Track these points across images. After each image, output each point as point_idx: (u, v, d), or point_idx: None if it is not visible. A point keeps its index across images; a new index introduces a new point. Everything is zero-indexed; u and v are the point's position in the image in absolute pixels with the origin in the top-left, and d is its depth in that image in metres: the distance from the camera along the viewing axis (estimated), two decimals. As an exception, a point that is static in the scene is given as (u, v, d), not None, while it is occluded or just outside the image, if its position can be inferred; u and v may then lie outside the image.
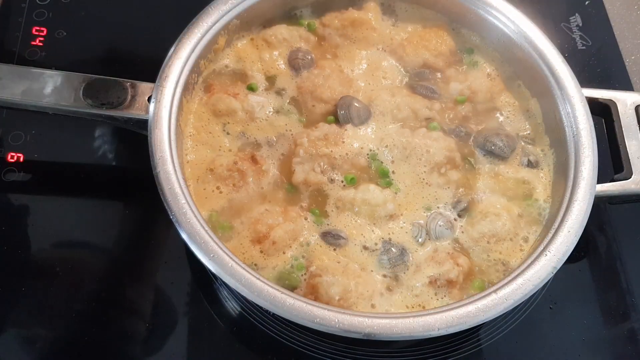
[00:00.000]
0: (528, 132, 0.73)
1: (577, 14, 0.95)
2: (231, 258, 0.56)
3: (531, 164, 0.70)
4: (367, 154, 0.69)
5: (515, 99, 0.75)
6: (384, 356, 0.67)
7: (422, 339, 0.66)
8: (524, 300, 0.58)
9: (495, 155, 0.71)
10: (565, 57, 0.72)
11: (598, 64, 0.90)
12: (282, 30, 0.76)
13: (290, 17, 0.78)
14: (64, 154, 0.77)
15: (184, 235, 0.57)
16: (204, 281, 0.69)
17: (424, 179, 0.68)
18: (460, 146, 0.71)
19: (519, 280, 0.58)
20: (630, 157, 0.68)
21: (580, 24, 0.94)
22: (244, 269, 0.56)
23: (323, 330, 0.54)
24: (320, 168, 0.67)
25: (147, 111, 0.65)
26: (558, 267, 0.59)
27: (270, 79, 0.74)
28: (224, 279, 0.56)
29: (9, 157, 0.75)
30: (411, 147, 0.69)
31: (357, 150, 0.69)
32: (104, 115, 0.66)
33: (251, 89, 0.73)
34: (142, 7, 0.90)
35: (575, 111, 0.68)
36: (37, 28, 0.85)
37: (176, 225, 0.58)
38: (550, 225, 0.63)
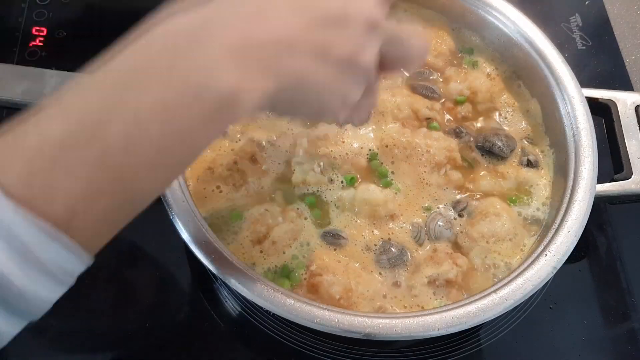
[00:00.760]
0: (528, 132, 0.73)
1: (577, 14, 0.95)
2: (231, 258, 0.57)
3: (531, 164, 0.70)
4: (367, 154, 0.69)
5: (515, 99, 0.75)
6: (384, 356, 0.67)
7: (422, 339, 0.66)
8: (524, 300, 0.58)
9: (495, 155, 0.71)
10: (565, 57, 0.72)
11: (598, 64, 0.90)
12: None
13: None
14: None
15: (184, 235, 0.57)
16: (204, 281, 0.69)
17: (424, 179, 0.68)
18: (460, 146, 0.71)
19: (519, 280, 0.58)
20: (630, 157, 0.68)
21: (580, 24, 0.94)
22: (243, 269, 0.56)
23: (323, 330, 0.54)
24: (320, 168, 0.67)
25: None
26: (558, 267, 0.59)
27: None
28: (224, 279, 0.56)
29: (9, 157, 0.75)
30: (411, 147, 0.69)
31: (357, 150, 0.69)
32: None
33: None
34: (143, 7, 0.90)
35: (575, 111, 0.68)
36: (37, 28, 0.85)
37: (176, 225, 0.58)
38: (550, 225, 0.63)
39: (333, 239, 0.64)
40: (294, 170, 0.67)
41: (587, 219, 0.62)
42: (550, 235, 0.61)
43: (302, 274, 0.62)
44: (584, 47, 0.92)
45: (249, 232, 0.63)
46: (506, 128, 0.73)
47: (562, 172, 0.67)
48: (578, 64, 0.83)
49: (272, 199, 0.66)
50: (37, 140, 0.36)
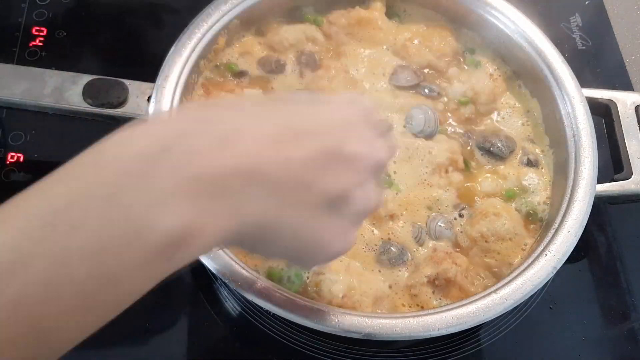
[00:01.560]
0: (528, 132, 0.73)
1: (577, 14, 0.95)
2: (231, 258, 0.57)
3: (531, 163, 0.70)
4: None
5: (515, 100, 0.75)
6: (384, 356, 0.67)
7: (422, 339, 0.66)
8: (523, 300, 0.58)
9: (494, 155, 0.71)
10: (565, 57, 0.72)
11: (598, 64, 0.90)
12: (287, 36, 0.75)
13: (293, 15, 0.78)
14: (64, 154, 0.76)
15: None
16: (204, 281, 0.69)
17: (425, 180, 0.68)
18: (462, 147, 0.71)
19: (519, 280, 0.58)
20: (630, 157, 0.68)
21: (580, 24, 0.94)
22: (244, 269, 0.56)
23: (323, 330, 0.54)
24: None
25: (147, 111, 0.65)
26: (558, 267, 0.59)
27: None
28: (224, 279, 0.56)
29: (9, 157, 0.75)
30: (414, 147, 0.69)
31: None
32: (104, 115, 0.66)
33: (230, 69, 0.73)
34: (143, 6, 0.90)
35: (575, 111, 0.68)
36: (37, 28, 0.85)
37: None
38: (550, 225, 0.63)
39: None
40: None
41: (587, 219, 0.62)
42: (550, 235, 0.61)
43: (305, 275, 0.62)
44: (584, 47, 0.92)
45: None
46: (506, 128, 0.73)
47: (562, 172, 0.67)
48: (578, 64, 0.83)
49: None
50: None
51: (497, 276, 0.63)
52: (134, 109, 0.66)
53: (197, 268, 0.69)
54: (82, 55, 0.85)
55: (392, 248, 0.63)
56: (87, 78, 0.67)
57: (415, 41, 0.77)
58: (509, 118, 0.74)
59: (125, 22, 0.89)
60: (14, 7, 0.86)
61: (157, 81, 0.65)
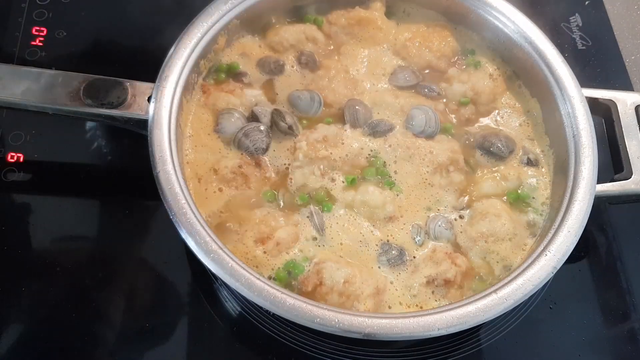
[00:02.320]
0: (528, 132, 0.73)
1: (577, 14, 0.95)
2: (231, 258, 0.56)
3: (531, 164, 0.70)
4: (368, 155, 0.69)
5: (515, 100, 0.75)
6: (384, 356, 0.67)
7: (422, 339, 0.66)
8: (524, 300, 0.58)
9: (494, 155, 0.71)
10: (565, 57, 0.72)
11: (598, 64, 0.90)
12: (287, 36, 0.75)
13: (294, 15, 0.78)
14: (64, 154, 0.77)
15: (184, 235, 0.57)
16: (204, 281, 0.69)
17: (426, 179, 0.68)
18: (462, 147, 0.71)
19: (519, 280, 0.58)
20: (630, 157, 0.68)
21: (580, 24, 0.94)
22: (244, 268, 0.56)
23: (323, 330, 0.54)
24: (320, 171, 0.67)
25: (147, 111, 0.64)
26: (558, 267, 0.59)
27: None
28: (224, 279, 0.56)
29: (9, 157, 0.75)
30: (414, 147, 0.68)
31: (356, 151, 0.69)
32: (104, 115, 0.66)
33: (233, 68, 0.73)
34: (143, 6, 0.90)
35: (575, 111, 0.68)
36: (37, 28, 0.85)
37: (176, 225, 0.58)
38: (550, 225, 0.63)
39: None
40: (291, 177, 0.67)
41: (587, 219, 0.62)
42: (550, 235, 0.61)
43: (306, 266, 0.62)
44: (584, 47, 0.92)
45: (253, 232, 0.63)
46: (506, 128, 0.73)
47: (562, 172, 0.67)
48: (578, 64, 0.84)
49: (275, 202, 0.66)
50: None
51: (497, 277, 0.63)
52: (134, 108, 0.66)
53: (197, 268, 0.69)
54: (82, 55, 0.84)
55: (392, 250, 0.64)
56: (87, 78, 0.67)
57: (416, 41, 0.77)
58: (509, 118, 0.74)
59: (126, 22, 0.89)
60: (14, 7, 0.86)
61: (157, 81, 0.65)
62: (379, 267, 0.63)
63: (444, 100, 0.74)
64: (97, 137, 0.77)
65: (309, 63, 0.75)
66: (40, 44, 0.84)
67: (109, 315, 0.67)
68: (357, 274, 0.61)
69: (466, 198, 0.68)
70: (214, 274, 0.57)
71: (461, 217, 0.67)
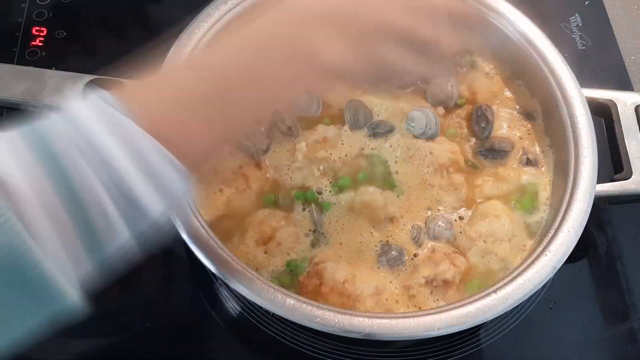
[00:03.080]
0: (528, 132, 0.73)
1: (577, 14, 0.95)
2: (231, 258, 0.57)
3: (531, 164, 0.70)
4: (368, 155, 0.69)
5: (515, 99, 0.75)
6: (384, 356, 0.67)
7: (422, 339, 0.66)
8: (523, 300, 0.58)
9: (494, 155, 0.71)
10: (565, 57, 0.72)
11: (598, 64, 0.90)
12: None
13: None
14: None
15: (184, 236, 0.57)
16: (204, 281, 0.69)
17: (426, 180, 0.68)
18: (462, 148, 0.71)
19: (519, 280, 0.58)
20: (630, 157, 0.68)
21: (580, 24, 0.94)
22: (244, 268, 0.56)
23: (323, 330, 0.54)
24: (320, 172, 0.67)
25: None
26: (558, 267, 0.59)
27: None
28: (223, 279, 0.56)
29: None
30: (415, 148, 0.68)
31: (357, 152, 0.69)
32: None
33: None
34: (143, 6, 0.90)
35: (575, 111, 0.68)
36: (37, 28, 0.85)
37: (177, 225, 0.58)
38: (550, 225, 0.63)
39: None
40: (291, 178, 0.67)
41: (587, 218, 0.62)
42: (550, 235, 0.61)
43: (306, 267, 0.62)
44: (584, 47, 0.92)
45: (254, 232, 0.63)
46: (505, 128, 0.73)
47: (562, 172, 0.67)
48: (578, 64, 0.83)
49: (275, 203, 0.66)
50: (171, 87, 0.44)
51: (496, 277, 0.63)
52: None
53: (197, 268, 0.69)
54: (82, 56, 0.85)
55: (391, 251, 0.64)
56: (87, 78, 0.67)
57: None
58: (509, 118, 0.74)
59: (126, 22, 0.89)
60: (14, 7, 0.86)
61: None
62: (379, 268, 0.63)
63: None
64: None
65: None
66: (40, 44, 0.84)
67: (108, 315, 0.67)
68: (357, 274, 0.61)
69: (466, 198, 0.68)
70: (214, 274, 0.57)
71: (461, 217, 0.67)
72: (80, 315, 0.40)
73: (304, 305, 0.55)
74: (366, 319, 0.55)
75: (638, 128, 0.70)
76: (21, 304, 0.38)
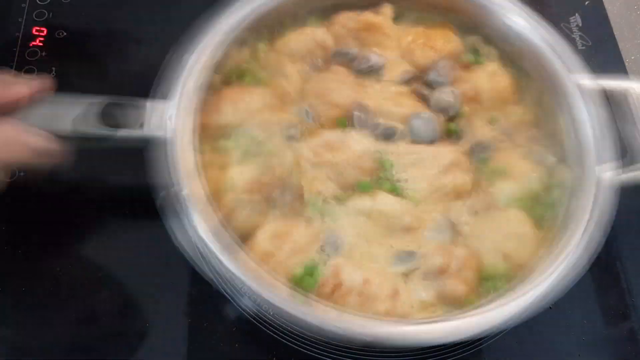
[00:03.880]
0: (533, 130, 0.73)
1: (577, 14, 0.95)
2: (231, 259, 0.56)
3: (538, 162, 0.70)
4: (375, 159, 0.68)
5: (521, 99, 0.75)
6: (384, 356, 0.67)
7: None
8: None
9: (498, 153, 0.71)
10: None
11: (598, 64, 0.90)
12: (297, 47, 0.74)
13: (296, 20, 0.77)
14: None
15: (185, 235, 0.57)
16: (204, 281, 0.69)
17: (433, 183, 0.67)
18: (464, 149, 0.71)
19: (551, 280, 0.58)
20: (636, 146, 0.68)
21: (580, 24, 0.94)
22: (244, 269, 0.56)
23: (327, 335, 0.54)
24: (327, 177, 0.66)
25: (168, 130, 0.62)
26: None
27: None
28: (224, 279, 0.56)
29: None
30: (417, 152, 0.68)
31: (363, 156, 0.68)
32: (125, 138, 0.63)
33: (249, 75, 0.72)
34: (143, 6, 0.90)
35: (578, 102, 0.68)
36: (37, 28, 0.85)
37: (183, 223, 0.57)
38: (564, 222, 0.63)
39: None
40: (302, 184, 0.66)
41: (611, 209, 0.62)
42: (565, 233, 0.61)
43: (323, 269, 0.61)
44: (583, 47, 0.92)
45: (268, 236, 0.63)
46: (509, 126, 0.73)
47: (569, 167, 0.67)
48: (578, 64, 0.83)
49: (288, 208, 0.65)
50: None
51: (509, 280, 0.63)
52: (155, 129, 0.63)
53: (197, 268, 0.69)
54: (82, 56, 0.85)
55: (405, 254, 0.63)
56: (102, 101, 0.64)
57: (419, 43, 0.76)
58: (513, 117, 0.74)
59: (126, 22, 0.89)
60: (14, 7, 0.86)
61: (173, 99, 0.63)
62: (393, 269, 0.63)
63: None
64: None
65: (315, 67, 0.74)
66: (40, 44, 0.84)
67: (109, 315, 0.67)
68: (374, 275, 0.60)
69: (475, 198, 0.68)
70: (214, 274, 0.57)
71: (471, 215, 0.66)
72: None
73: (307, 307, 0.55)
74: (373, 323, 0.55)
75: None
76: None
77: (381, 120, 0.71)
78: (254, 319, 0.67)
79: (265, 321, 0.67)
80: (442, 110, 0.73)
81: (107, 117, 0.64)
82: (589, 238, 0.60)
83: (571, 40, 0.92)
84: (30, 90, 0.61)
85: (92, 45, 0.86)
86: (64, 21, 0.86)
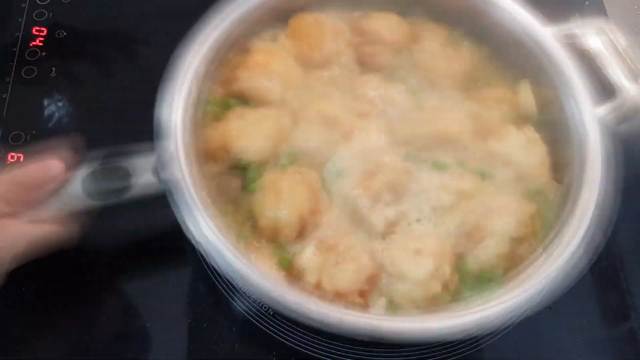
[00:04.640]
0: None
1: (577, 14, 0.95)
2: (230, 258, 0.56)
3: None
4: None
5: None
6: (384, 356, 0.67)
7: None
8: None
9: None
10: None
11: (598, 64, 0.90)
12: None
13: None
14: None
15: (189, 236, 0.57)
16: (204, 281, 0.69)
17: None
18: None
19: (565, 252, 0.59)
20: (612, 81, 0.69)
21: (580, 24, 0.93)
22: (244, 267, 0.56)
23: (327, 330, 0.54)
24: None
25: (160, 181, 0.60)
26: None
27: None
28: (224, 279, 0.56)
29: (10, 157, 0.75)
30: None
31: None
32: (115, 204, 0.61)
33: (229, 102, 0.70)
34: (144, 5, 0.90)
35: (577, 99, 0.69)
36: (37, 28, 0.85)
37: (182, 224, 0.57)
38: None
39: None
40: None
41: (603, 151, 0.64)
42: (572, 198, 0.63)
43: None
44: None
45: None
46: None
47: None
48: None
49: None
50: None
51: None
52: (145, 187, 0.60)
53: (197, 268, 0.69)
54: (82, 56, 0.85)
55: None
56: (81, 173, 0.60)
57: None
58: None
59: (126, 22, 0.89)
60: (14, 7, 0.86)
61: (159, 149, 0.60)
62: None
63: None
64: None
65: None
66: (40, 44, 0.84)
67: (109, 315, 0.67)
68: None
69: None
70: (214, 274, 0.57)
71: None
72: None
73: (306, 305, 0.55)
74: (373, 320, 0.55)
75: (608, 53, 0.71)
76: None
77: None
78: (254, 319, 0.67)
79: (265, 321, 0.67)
80: None
81: (91, 189, 0.60)
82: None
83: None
84: (64, 166, 0.58)
85: (92, 45, 0.86)
86: (64, 21, 0.86)
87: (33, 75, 0.82)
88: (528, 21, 0.73)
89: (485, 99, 0.73)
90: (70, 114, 0.79)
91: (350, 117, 0.68)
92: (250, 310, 0.67)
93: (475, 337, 0.68)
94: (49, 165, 0.58)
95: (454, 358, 0.67)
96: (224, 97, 0.70)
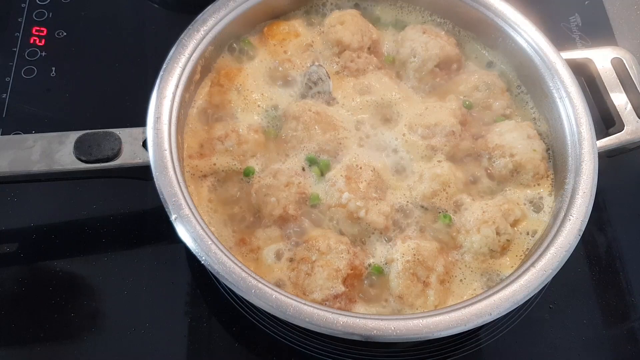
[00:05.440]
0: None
1: (577, 14, 0.95)
2: (230, 258, 0.56)
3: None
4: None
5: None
6: (384, 356, 0.67)
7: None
8: (546, 282, 0.59)
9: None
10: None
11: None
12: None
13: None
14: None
15: (184, 238, 0.57)
16: (204, 281, 0.69)
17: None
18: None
19: (552, 250, 0.60)
20: (618, 110, 0.70)
21: (580, 24, 0.94)
22: (243, 270, 0.56)
23: (323, 332, 0.54)
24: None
25: (145, 157, 0.61)
26: (583, 230, 0.60)
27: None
28: (223, 280, 0.56)
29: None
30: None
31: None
32: (102, 170, 0.62)
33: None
34: (144, 5, 0.90)
35: (561, 76, 0.70)
36: (37, 28, 0.85)
37: (177, 227, 0.58)
38: (567, 192, 0.64)
39: None
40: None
41: (597, 177, 0.64)
42: (567, 200, 0.63)
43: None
44: (583, 47, 0.92)
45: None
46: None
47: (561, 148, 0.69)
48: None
49: None
50: None
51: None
52: (131, 157, 0.62)
53: (197, 268, 0.69)
54: (82, 56, 0.85)
55: None
56: (74, 135, 0.62)
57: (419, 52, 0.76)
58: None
59: (125, 22, 0.88)
60: (14, 7, 0.86)
61: (148, 124, 0.62)
62: None
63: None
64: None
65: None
66: (40, 44, 0.84)
67: (109, 315, 0.67)
68: None
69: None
70: (213, 274, 0.57)
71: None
72: None
73: (306, 307, 0.55)
74: (368, 321, 0.55)
75: (618, 80, 0.71)
76: None
77: None
78: (254, 318, 0.67)
79: (265, 321, 0.67)
80: None
81: (82, 151, 0.61)
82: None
83: (571, 40, 0.92)
84: None
85: (92, 45, 0.86)
86: (64, 21, 0.86)
87: (33, 75, 0.82)
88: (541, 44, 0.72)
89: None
90: (70, 114, 0.79)
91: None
92: (250, 310, 0.67)
93: (475, 337, 0.69)
94: None
95: (454, 358, 0.67)
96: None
